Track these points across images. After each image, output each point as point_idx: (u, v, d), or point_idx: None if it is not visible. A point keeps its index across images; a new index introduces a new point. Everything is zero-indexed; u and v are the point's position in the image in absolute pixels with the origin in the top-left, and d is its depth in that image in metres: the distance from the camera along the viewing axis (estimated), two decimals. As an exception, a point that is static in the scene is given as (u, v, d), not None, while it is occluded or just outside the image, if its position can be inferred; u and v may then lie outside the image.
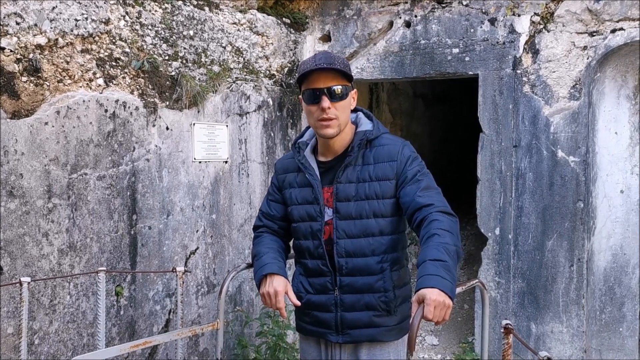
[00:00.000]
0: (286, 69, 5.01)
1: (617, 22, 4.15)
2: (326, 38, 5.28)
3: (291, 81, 5.09)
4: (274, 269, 2.28)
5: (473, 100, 4.88)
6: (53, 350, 3.12)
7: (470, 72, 4.71)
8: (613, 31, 4.18)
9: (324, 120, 2.27)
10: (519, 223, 4.53)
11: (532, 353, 1.52)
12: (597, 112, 4.48)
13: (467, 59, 4.69)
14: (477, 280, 2.46)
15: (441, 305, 1.83)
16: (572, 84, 4.33)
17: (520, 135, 4.51)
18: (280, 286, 2.23)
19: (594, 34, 4.24)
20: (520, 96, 4.50)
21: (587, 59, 4.26)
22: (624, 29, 4.14)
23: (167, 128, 3.85)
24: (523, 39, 4.47)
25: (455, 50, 4.73)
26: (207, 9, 4.25)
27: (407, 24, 4.92)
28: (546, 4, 4.38)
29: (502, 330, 1.83)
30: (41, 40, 3.07)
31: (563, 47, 4.34)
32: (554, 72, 4.37)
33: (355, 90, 2.40)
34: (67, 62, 3.22)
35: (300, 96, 2.37)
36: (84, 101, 3.28)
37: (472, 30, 4.66)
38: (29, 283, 2.66)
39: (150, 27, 3.76)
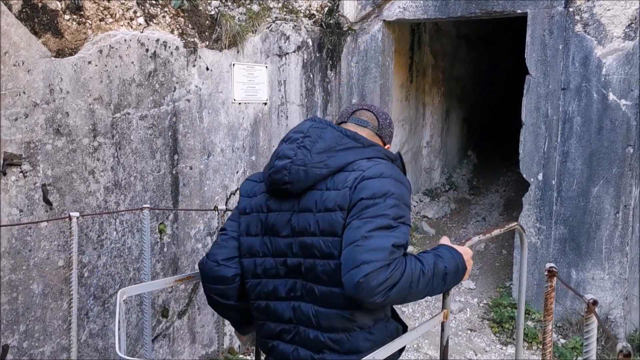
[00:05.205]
0: (326, 9, 4.88)
1: (682, -46, 3.88)
2: (368, -25, 5.11)
3: (331, 21, 4.97)
4: None
5: (519, 41, 4.69)
6: (102, 282, 3.25)
7: (519, 11, 4.50)
8: (676, -35, 3.90)
9: None
10: (564, 169, 4.42)
11: (577, 296, 1.50)
12: (654, 53, 4.25)
13: (516, -4, 4.47)
14: (516, 223, 2.41)
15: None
16: (628, 22, 4.10)
17: (570, 78, 4.33)
18: None
19: (656, -32, 3.97)
20: (572, 36, 4.29)
21: (646, -5, 4.02)
22: (688, -37, 3.86)
23: (207, 68, 3.84)
24: (577, -25, 4.23)
25: (504, -13, 4.51)
26: (246, -56, 4.14)
27: (454, -40, 4.70)
28: (604, -64, 4.11)
29: (546, 273, 1.81)
30: (82, -23, 3.05)
31: (620, -17, 4.09)
32: (609, 10, 4.14)
33: (388, 145, 1.99)
34: (108, 0, 3.20)
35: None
36: (125, 40, 3.28)
37: (522, -35, 4.42)
38: (77, 218, 2.75)
39: (189, -36, 3.69)
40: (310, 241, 1.71)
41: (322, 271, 1.68)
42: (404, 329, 1.85)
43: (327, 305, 1.69)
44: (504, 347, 4.44)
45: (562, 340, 4.36)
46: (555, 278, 1.84)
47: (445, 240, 1.83)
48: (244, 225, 1.87)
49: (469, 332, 4.69)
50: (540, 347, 4.27)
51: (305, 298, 1.73)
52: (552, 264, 1.87)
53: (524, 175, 4.63)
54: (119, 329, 1.71)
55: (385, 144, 1.96)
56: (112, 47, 3.21)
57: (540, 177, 4.53)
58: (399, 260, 1.57)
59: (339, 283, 1.63)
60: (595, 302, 1.47)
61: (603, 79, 4.20)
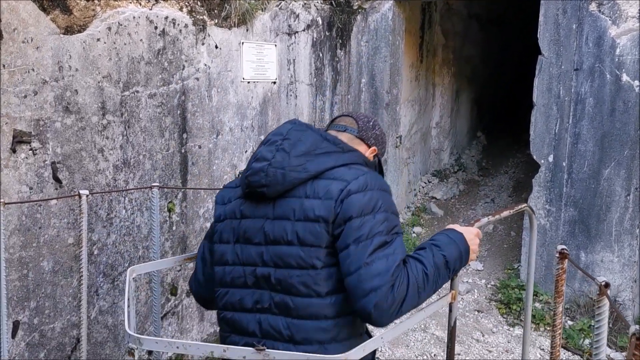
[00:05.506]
0: (336, -14, 4.82)
1: None
2: (379, -48, 5.03)
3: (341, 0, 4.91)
4: None
5: (530, 22, 4.62)
6: (111, 260, 3.27)
7: (533, -11, 4.43)
8: (696, -58, 3.81)
9: None
10: (575, 150, 4.38)
11: (586, 279, 1.49)
12: (670, 33, 4.17)
13: (529, -26, 4.39)
14: (525, 205, 2.39)
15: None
16: (644, 2, 4.02)
17: (583, 58, 4.27)
18: None
19: (674, -55, 3.88)
20: (586, 15, 4.22)
21: (664, -26, 3.93)
22: None
23: (216, 47, 3.81)
24: (593, -48, 4.14)
25: (518, -35, 4.43)
26: None
27: (466, -63, 4.62)
28: None
29: (557, 255, 1.80)
30: (90, -47, 3.01)
31: (637, -39, 4.00)
32: (625, -12, 4.06)
33: (373, 148, 1.95)
34: (116, -23, 3.17)
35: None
36: (134, 17, 3.25)
37: (537, -58, 4.33)
38: (87, 196, 2.76)
39: (198, -61, 3.64)
40: (287, 250, 1.64)
41: (300, 282, 1.62)
42: None
43: (304, 317, 1.63)
44: (511, 329, 4.45)
45: (570, 322, 4.36)
46: (566, 260, 1.83)
47: (451, 227, 1.82)
48: (217, 233, 1.82)
49: (476, 313, 4.70)
50: (548, 328, 4.27)
51: (274, 310, 1.67)
52: (564, 246, 1.85)
53: (534, 157, 4.59)
54: (128, 307, 1.72)
55: (370, 147, 1.92)
56: (121, 25, 3.18)
57: (550, 158, 4.49)
58: (401, 274, 1.55)
59: (318, 294, 1.60)
60: (607, 285, 1.46)
61: (617, 60, 4.14)
